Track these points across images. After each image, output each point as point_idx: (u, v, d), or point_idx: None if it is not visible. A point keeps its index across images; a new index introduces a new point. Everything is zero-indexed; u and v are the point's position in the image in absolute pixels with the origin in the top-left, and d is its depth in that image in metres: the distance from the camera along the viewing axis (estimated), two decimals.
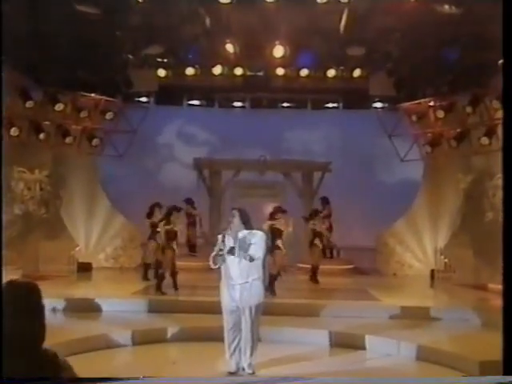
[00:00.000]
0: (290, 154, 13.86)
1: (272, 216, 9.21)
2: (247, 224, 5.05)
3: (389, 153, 13.10)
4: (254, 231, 5.08)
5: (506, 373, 2.76)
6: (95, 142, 12.15)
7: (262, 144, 13.71)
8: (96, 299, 7.75)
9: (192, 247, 12.68)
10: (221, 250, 4.95)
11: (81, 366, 1.95)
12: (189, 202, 12.36)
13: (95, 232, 12.48)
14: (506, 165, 3.05)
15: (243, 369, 5.14)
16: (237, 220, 5.03)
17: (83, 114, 11.75)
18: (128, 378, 2.03)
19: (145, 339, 6.40)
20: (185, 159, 13.99)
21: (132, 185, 13.45)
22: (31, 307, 1.99)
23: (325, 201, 12.77)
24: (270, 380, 3.24)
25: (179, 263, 11.53)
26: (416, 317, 7.41)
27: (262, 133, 13.77)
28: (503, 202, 3.24)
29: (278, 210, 9.34)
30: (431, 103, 11.66)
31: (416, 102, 11.90)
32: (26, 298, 2.00)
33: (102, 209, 12.48)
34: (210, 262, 5.07)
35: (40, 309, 2.03)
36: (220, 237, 5.01)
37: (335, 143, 14.29)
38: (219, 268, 5.13)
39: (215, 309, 5.25)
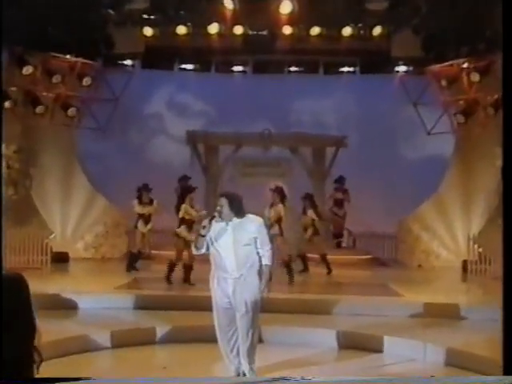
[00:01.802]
0: (298, 127, 13.80)
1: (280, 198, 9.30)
2: (239, 211, 5.00)
3: (414, 124, 12.99)
4: (250, 217, 5.05)
5: (506, 373, 3.05)
6: (71, 112, 12.06)
7: (266, 115, 13.65)
8: (73, 295, 7.73)
9: None
10: (203, 227, 4.92)
11: (55, 374, 1.89)
12: (183, 180, 12.34)
13: (73, 217, 12.48)
14: (507, 163, 3.24)
15: (244, 374, 5.12)
16: (226, 209, 4.97)
17: (56, 79, 11.63)
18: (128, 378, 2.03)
19: (129, 340, 6.40)
20: (176, 132, 13.95)
21: (115, 162, 13.45)
22: (21, 302, 1.94)
23: (340, 181, 12.69)
24: (271, 381, 3.35)
25: (169, 253, 11.56)
26: (445, 315, 7.39)
27: (265, 102, 13.71)
28: (503, 200, 3.42)
29: (278, 191, 9.40)
30: (465, 65, 11.48)
31: (447, 63, 11.73)
32: (15, 293, 1.94)
33: (80, 190, 12.46)
34: (192, 247, 5.03)
35: (30, 303, 1.99)
36: (207, 221, 4.96)
37: (351, 114, 14.21)
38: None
39: (210, 305, 5.20)
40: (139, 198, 10.44)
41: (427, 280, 10.91)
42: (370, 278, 10.84)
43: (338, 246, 12.95)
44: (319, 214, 10.69)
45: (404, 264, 12.46)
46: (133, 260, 10.52)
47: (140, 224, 10.40)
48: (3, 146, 10.34)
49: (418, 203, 12.59)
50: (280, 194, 9.51)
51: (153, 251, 12.63)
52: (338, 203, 12.85)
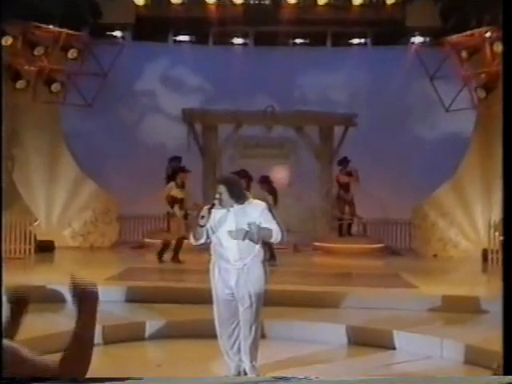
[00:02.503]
0: (304, 104, 13.76)
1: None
2: (240, 198, 4.99)
3: (430, 101, 12.93)
4: (252, 202, 5.04)
5: (506, 373, 3.26)
6: (55, 87, 11.99)
7: (269, 91, 13.59)
8: (60, 287, 7.72)
9: None
10: (202, 217, 4.89)
11: None
12: (174, 161, 12.30)
13: (58, 202, 12.47)
14: (507, 161, 3.42)
15: (245, 373, 5.13)
16: (225, 196, 4.95)
17: (38, 51, 11.54)
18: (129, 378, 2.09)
19: (122, 336, 6.42)
20: (171, 110, 13.90)
21: (104, 142, 13.43)
22: None
23: (344, 163, 12.65)
24: (272, 381, 3.43)
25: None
26: (463, 309, 7.37)
27: (268, 77, 13.65)
28: (503, 198, 3.65)
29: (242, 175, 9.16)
30: (487, 34, 11.35)
31: (468, 33, 11.60)
32: None
33: (66, 173, 12.46)
34: (191, 237, 5.03)
35: None
36: (206, 210, 4.93)
37: (362, 90, 14.14)
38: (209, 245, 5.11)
39: (209, 298, 5.22)
40: (175, 179, 10.26)
41: (444, 270, 10.91)
42: (382, 268, 10.86)
43: (348, 233, 12.95)
44: (275, 197, 9.95)
45: (419, 253, 12.48)
46: (177, 249, 10.13)
47: (177, 209, 10.19)
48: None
49: (435, 187, 12.55)
50: (245, 177, 9.17)
51: (146, 239, 12.68)
52: (344, 187, 12.82)
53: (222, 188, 4.96)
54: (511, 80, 3.30)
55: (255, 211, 4.97)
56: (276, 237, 4.98)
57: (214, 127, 13.38)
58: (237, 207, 4.96)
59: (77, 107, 12.63)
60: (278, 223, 5.05)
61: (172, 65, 14.50)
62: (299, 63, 13.86)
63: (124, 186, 12.82)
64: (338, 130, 13.39)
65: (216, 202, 4.95)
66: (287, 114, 13.26)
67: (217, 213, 4.98)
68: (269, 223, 4.97)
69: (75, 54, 12.00)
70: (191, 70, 14.40)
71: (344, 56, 14.02)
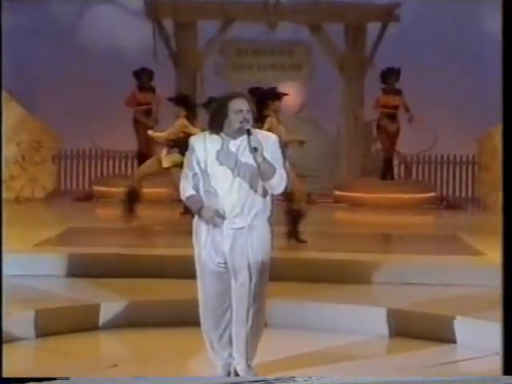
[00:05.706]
0: None
1: None
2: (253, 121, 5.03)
3: None
4: (260, 134, 5.06)
5: (506, 373, 4.09)
6: None
7: None
8: None
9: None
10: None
11: None
12: (142, 74, 12.26)
13: None
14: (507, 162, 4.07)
15: (236, 374, 5.19)
16: (250, 118, 4.94)
17: None
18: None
19: (62, 325, 6.46)
20: (128, 0, 13.92)
21: (32, 47, 13.33)
22: None
23: (390, 77, 12.52)
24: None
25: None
26: None
27: None
28: (503, 198, 4.27)
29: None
30: None
31: None
32: None
33: None
34: (181, 191, 5.05)
35: None
36: (201, 138, 4.93)
37: None
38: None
39: (190, 269, 5.22)
40: (189, 112, 9.67)
41: None
42: (434, 227, 11.03)
43: (384, 177, 12.91)
44: None
45: (486, 205, 12.54)
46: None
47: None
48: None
49: None
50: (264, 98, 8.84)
51: (96, 187, 12.68)
52: (391, 112, 12.72)
53: (247, 105, 4.95)
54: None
55: (264, 146, 4.94)
56: (277, 183, 4.97)
57: (191, 25, 13.32)
58: (240, 139, 4.94)
59: None
60: (286, 169, 5.05)
61: None
62: None
63: (64, 110, 12.78)
64: (372, 29, 13.23)
65: (244, 123, 4.89)
66: (298, 6, 13.15)
67: (210, 145, 4.95)
68: (275, 163, 4.95)
69: None
70: None
71: None
